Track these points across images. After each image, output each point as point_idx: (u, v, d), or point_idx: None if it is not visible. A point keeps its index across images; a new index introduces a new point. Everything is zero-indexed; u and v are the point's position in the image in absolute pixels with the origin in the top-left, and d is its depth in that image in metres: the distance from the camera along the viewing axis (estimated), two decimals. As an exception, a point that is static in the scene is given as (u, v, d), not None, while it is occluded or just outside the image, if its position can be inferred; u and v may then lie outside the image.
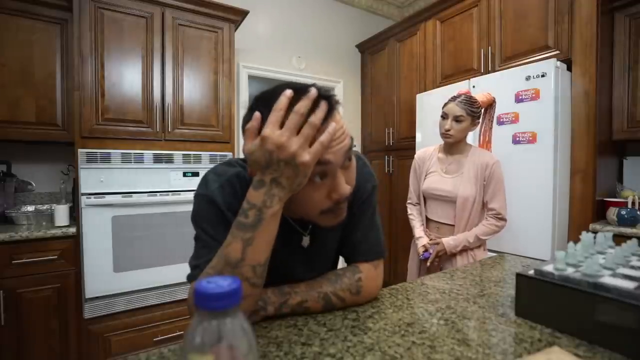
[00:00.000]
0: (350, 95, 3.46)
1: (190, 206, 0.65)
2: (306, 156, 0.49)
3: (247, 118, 0.56)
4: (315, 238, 0.72)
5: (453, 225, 1.47)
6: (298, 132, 0.49)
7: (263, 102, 0.54)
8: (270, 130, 0.49)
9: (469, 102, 1.44)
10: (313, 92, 0.51)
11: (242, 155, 3.00)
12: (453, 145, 1.51)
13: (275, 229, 0.54)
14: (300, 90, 0.52)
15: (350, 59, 3.45)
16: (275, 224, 0.53)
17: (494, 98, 1.56)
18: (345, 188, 0.57)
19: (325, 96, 0.53)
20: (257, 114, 0.52)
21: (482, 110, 1.52)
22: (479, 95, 1.52)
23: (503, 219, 1.44)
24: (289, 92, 0.50)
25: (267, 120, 0.50)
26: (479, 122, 1.50)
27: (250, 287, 0.53)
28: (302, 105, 0.49)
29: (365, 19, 3.53)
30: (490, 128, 1.60)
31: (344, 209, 0.60)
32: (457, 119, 1.44)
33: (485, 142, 1.60)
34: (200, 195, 0.63)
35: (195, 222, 0.63)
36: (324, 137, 0.50)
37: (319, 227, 0.64)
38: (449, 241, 1.43)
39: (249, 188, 0.53)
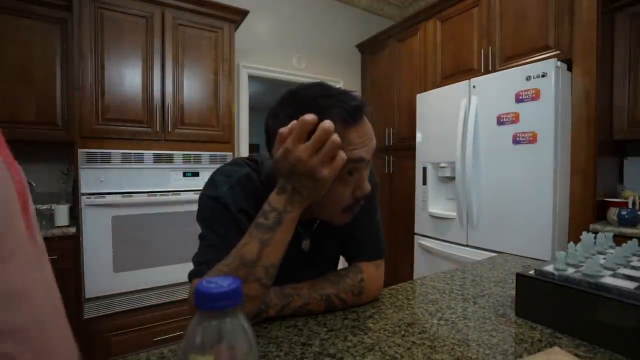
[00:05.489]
0: (351, 95, 3.45)
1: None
2: (325, 172, 0.50)
3: (275, 113, 0.58)
4: (315, 241, 0.72)
5: None
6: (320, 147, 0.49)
7: (292, 102, 0.57)
8: (293, 144, 0.49)
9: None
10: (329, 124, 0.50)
11: (242, 155, 2.97)
12: None
13: (291, 233, 0.55)
14: (330, 96, 0.54)
15: (350, 59, 3.45)
16: (292, 228, 0.55)
17: None
18: (368, 186, 0.61)
19: (356, 107, 0.56)
20: (293, 124, 0.51)
21: None
22: None
23: None
24: (309, 117, 0.49)
25: (292, 133, 0.50)
26: None
27: (260, 288, 0.53)
28: (328, 122, 0.49)
29: (365, 19, 3.53)
30: None
31: (359, 207, 0.63)
32: None
33: None
34: (209, 197, 0.63)
35: (203, 222, 0.63)
36: (344, 154, 0.51)
37: (332, 225, 0.66)
38: None
39: (273, 191, 0.54)
